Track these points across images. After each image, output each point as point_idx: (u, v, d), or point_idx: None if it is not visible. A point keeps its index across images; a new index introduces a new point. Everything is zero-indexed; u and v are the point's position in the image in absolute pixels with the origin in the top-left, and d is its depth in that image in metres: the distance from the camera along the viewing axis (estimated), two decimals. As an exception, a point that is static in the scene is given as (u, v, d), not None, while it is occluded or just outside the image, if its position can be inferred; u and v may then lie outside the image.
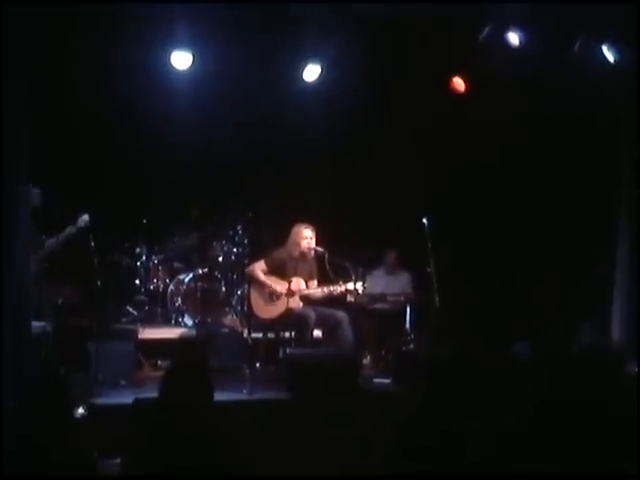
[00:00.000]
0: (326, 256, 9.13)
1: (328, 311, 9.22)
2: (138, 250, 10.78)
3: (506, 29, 9.11)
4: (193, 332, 9.91)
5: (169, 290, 10.66)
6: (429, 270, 9.42)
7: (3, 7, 7.01)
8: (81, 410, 6.36)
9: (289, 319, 9.15)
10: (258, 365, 9.16)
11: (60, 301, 9.13)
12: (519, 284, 10.51)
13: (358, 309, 9.59)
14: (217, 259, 10.76)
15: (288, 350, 8.82)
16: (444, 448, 3.51)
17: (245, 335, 9.53)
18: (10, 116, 7.22)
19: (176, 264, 10.98)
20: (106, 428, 5.33)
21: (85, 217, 9.06)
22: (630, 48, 9.18)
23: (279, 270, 9.34)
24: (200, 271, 10.65)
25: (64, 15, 7.88)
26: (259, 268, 9.36)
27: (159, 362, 9.21)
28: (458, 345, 7.97)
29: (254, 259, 9.67)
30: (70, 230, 9.00)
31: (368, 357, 9.68)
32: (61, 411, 4.20)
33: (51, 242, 8.97)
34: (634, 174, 9.70)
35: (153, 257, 10.88)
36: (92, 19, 8.26)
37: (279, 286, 9.23)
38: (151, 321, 10.46)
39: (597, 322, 9.61)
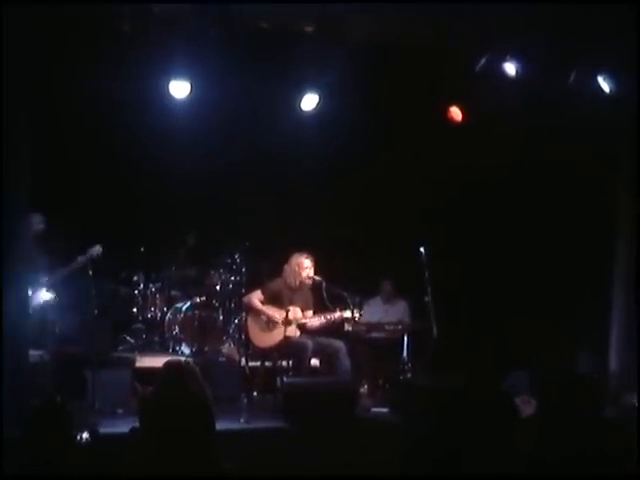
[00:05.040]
0: (323, 285, 9.14)
1: (325, 340, 9.21)
2: (135, 278, 10.78)
3: (503, 60, 9.15)
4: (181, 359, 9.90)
5: (166, 318, 10.66)
6: (426, 299, 9.41)
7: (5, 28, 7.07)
8: (85, 435, 6.37)
9: (286, 348, 9.13)
10: (255, 394, 9.12)
11: (57, 329, 9.11)
12: (517, 313, 10.49)
13: (355, 338, 9.59)
14: (215, 288, 10.76)
15: (285, 379, 8.79)
16: (444, 478, 3.51)
17: (242, 364, 9.52)
18: (9, 145, 7.25)
19: (173, 292, 10.98)
20: (103, 456, 5.30)
21: (97, 248, 9.10)
22: (626, 78, 9.23)
23: (276, 299, 9.34)
24: (197, 299, 10.65)
25: (64, 45, 7.94)
26: (256, 297, 9.37)
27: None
28: (458, 375, 7.95)
29: (251, 288, 9.68)
30: (80, 260, 9.03)
31: (365, 386, 9.64)
32: (64, 436, 4.21)
33: (61, 271, 9.01)
34: (631, 204, 9.73)
35: (150, 285, 10.88)
36: (91, 48, 8.31)
37: (276, 314, 9.22)
38: (148, 349, 10.44)
39: (596, 352, 9.61)
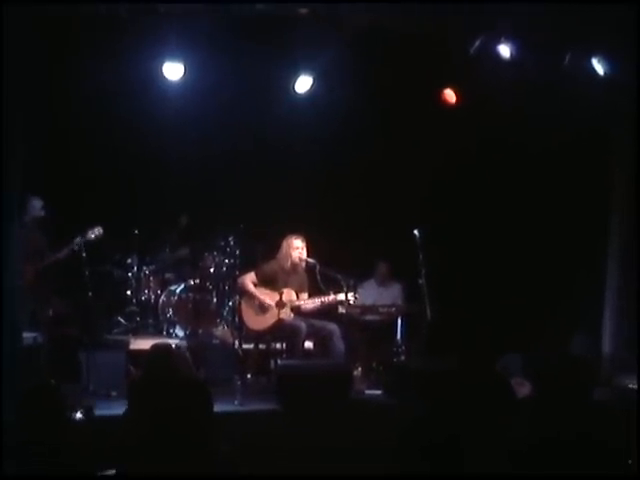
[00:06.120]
0: (317, 267, 9.14)
1: (319, 323, 9.22)
2: (129, 261, 10.76)
3: (497, 42, 9.13)
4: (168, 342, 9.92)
5: (160, 301, 10.65)
6: (420, 282, 9.42)
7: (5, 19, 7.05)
8: (79, 414, 6.39)
9: (280, 330, 9.15)
10: (249, 376, 9.15)
11: (51, 312, 9.11)
12: (510, 295, 10.51)
13: (349, 321, 9.58)
14: (208, 270, 10.74)
15: (279, 361, 8.82)
16: (440, 460, 3.51)
17: (236, 346, 9.54)
18: (6, 129, 7.24)
19: (167, 275, 10.97)
20: (98, 438, 5.31)
21: (98, 229, 9.09)
22: (621, 60, 9.22)
23: (270, 281, 9.35)
24: (191, 282, 10.64)
25: (58, 28, 7.91)
26: (249, 279, 9.37)
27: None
28: (452, 358, 7.98)
29: (245, 270, 9.68)
30: (79, 241, 9.02)
31: (359, 369, 9.64)
32: (58, 416, 4.22)
33: (61, 253, 9.01)
34: (626, 187, 9.74)
35: (144, 268, 10.86)
36: (84, 31, 8.27)
37: (269, 297, 9.23)
38: (142, 332, 10.45)
39: (589, 334, 9.63)
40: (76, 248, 9.02)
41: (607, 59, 9.27)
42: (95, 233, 9.11)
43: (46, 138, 9.55)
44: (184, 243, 11.04)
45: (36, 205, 8.99)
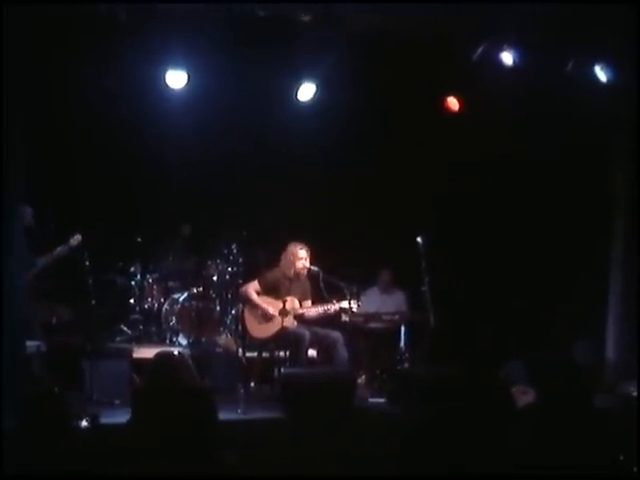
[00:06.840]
0: (320, 275, 9.12)
1: (322, 331, 9.21)
2: (133, 269, 10.77)
3: (500, 49, 9.14)
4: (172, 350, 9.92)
5: (163, 309, 10.65)
6: (423, 289, 9.41)
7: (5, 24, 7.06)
8: (84, 422, 6.38)
9: (283, 338, 9.13)
10: (252, 385, 9.14)
11: (54, 320, 9.11)
12: (514, 302, 10.49)
13: (353, 328, 9.57)
14: (212, 278, 10.74)
15: (283, 369, 8.81)
16: (443, 468, 3.51)
17: (239, 354, 9.52)
18: (8, 134, 7.24)
19: (170, 283, 10.97)
20: (102, 447, 5.30)
21: (77, 237, 9.10)
22: (624, 67, 9.23)
23: (273, 290, 9.33)
24: (195, 290, 10.63)
25: (60, 34, 7.93)
26: (252, 288, 9.35)
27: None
28: (455, 365, 7.96)
29: (249, 278, 9.68)
30: (62, 249, 9.03)
31: (363, 377, 9.63)
32: (62, 422, 4.22)
33: (41, 260, 9.00)
34: (628, 192, 9.74)
35: (148, 276, 10.87)
36: (87, 38, 8.28)
37: (272, 306, 9.21)
38: (145, 340, 10.45)
39: (593, 340, 9.62)
40: (63, 254, 9.04)
41: (610, 66, 9.28)
42: (76, 240, 9.11)
43: (46, 143, 9.54)
44: (188, 254, 11.04)
45: (27, 213, 8.97)
